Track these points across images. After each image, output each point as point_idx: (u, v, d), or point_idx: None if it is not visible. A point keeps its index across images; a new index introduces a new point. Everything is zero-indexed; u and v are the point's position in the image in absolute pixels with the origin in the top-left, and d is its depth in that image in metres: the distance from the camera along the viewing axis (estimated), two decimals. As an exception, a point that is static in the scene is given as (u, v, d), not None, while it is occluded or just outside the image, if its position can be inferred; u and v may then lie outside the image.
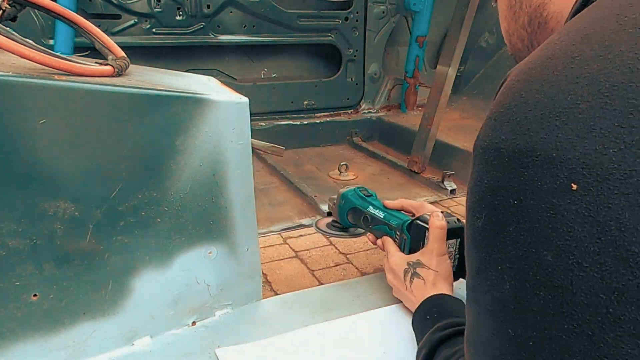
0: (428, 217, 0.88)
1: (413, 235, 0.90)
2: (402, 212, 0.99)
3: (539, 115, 0.35)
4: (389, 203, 1.01)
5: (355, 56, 2.26)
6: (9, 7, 0.75)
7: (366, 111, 2.33)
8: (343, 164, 1.80)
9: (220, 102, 0.78)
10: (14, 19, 0.77)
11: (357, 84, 2.30)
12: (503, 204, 0.37)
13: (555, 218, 0.33)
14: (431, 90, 1.73)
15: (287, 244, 1.25)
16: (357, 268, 1.14)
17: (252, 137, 0.85)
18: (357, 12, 2.20)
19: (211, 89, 0.83)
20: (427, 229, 0.87)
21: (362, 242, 1.11)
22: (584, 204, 0.32)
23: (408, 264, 0.86)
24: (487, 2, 2.29)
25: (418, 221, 0.90)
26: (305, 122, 2.17)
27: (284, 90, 2.17)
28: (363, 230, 1.08)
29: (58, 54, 0.69)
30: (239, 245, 0.88)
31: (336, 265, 1.15)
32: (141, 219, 0.76)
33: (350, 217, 1.06)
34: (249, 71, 2.22)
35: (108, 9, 1.83)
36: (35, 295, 0.70)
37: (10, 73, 0.62)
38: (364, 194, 1.05)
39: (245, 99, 0.82)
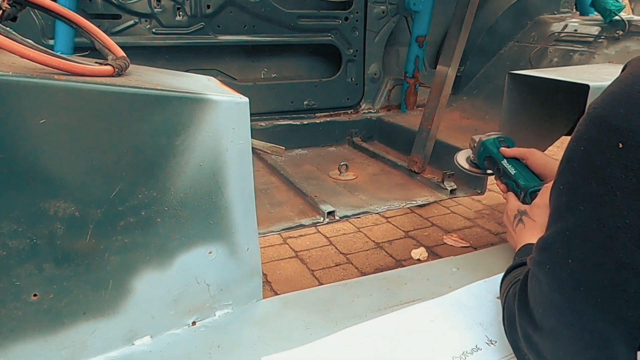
0: None
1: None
2: (526, 166, 1.11)
3: (615, 95, 0.54)
4: (506, 151, 1.14)
5: (355, 56, 2.25)
6: (9, 7, 0.75)
7: (366, 111, 2.33)
8: (343, 164, 1.80)
9: (220, 102, 0.78)
10: (14, 19, 0.77)
11: (357, 84, 2.30)
12: (576, 148, 0.57)
13: (603, 162, 0.53)
14: (431, 90, 1.73)
15: (287, 244, 1.25)
16: (357, 268, 1.14)
17: (252, 137, 0.85)
18: (357, 12, 2.20)
19: (211, 89, 0.83)
20: None
21: (362, 242, 1.11)
22: (624, 156, 0.52)
23: (518, 210, 1.01)
24: (487, 2, 2.29)
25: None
26: (305, 122, 2.17)
27: (284, 90, 2.17)
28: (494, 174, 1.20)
29: (58, 54, 0.69)
30: (239, 245, 0.88)
31: (336, 265, 1.15)
32: (141, 219, 0.76)
33: (486, 163, 1.19)
34: (249, 71, 2.22)
35: (108, 9, 1.83)
36: (35, 295, 0.70)
37: (10, 73, 0.62)
38: (502, 145, 1.16)
39: (245, 99, 0.82)
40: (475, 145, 1.23)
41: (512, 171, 1.10)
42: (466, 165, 1.27)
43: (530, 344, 0.65)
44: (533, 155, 1.11)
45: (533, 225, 0.96)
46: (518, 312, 0.67)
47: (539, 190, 1.01)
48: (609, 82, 0.58)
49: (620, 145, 0.52)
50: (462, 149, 1.35)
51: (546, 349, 0.62)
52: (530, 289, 0.65)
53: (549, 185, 0.97)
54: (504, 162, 1.13)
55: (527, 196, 1.04)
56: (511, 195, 1.08)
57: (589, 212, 0.55)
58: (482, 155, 1.20)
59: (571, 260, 0.57)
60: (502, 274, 0.85)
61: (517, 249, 0.94)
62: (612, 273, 0.53)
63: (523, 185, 1.06)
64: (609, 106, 0.54)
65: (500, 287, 0.84)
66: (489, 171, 1.24)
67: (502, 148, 1.15)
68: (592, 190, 0.55)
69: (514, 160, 1.13)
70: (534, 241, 0.90)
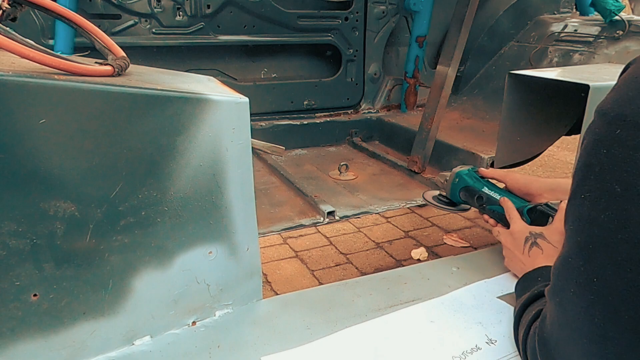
0: (554, 205, 0.95)
1: (534, 219, 0.98)
2: (505, 188, 1.09)
3: (635, 93, 0.50)
4: (484, 171, 1.13)
5: (355, 56, 2.26)
6: (9, 7, 0.75)
7: (366, 111, 2.33)
8: (343, 164, 1.80)
9: (220, 102, 0.78)
10: (14, 19, 0.77)
11: (357, 84, 2.30)
12: (597, 151, 0.52)
13: (629, 164, 0.48)
14: (431, 90, 1.73)
15: (287, 244, 1.25)
16: (357, 268, 1.14)
17: (252, 137, 0.85)
18: (357, 12, 2.20)
19: (211, 89, 0.83)
20: (551, 215, 0.93)
21: (362, 242, 1.11)
22: None
23: (530, 233, 0.93)
24: (487, 2, 2.29)
25: (542, 207, 0.96)
26: (305, 122, 2.17)
27: (284, 90, 2.17)
28: (469, 207, 1.16)
29: (58, 54, 0.69)
30: (239, 245, 0.88)
31: (336, 265, 1.15)
32: (141, 219, 0.76)
33: (462, 195, 1.14)
34: (249, 71, 2.22)
35: (108, 9, 1.83)
36: (35, 295, 0.70)
37: (10, 73, 0.62)
38: (478, 175, 1.13)
39: (245, 99, 0.82)
40: (447, 179, 1.17)
41: (497, 196, 1.06)
42: (437, 203, 1.22)
43: None
44: (512, 176, 1.08)
45: (552, 251, 0.88)
46: (540, 354, 0.62)
47: (540, 206, 0.97)
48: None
49: None
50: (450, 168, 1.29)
51: None
52: (550, 327, 0.59)
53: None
54: (485, 189, 1.09)
55: (525, 215, 1.00)
56: (513, 215, 1.01)
57: (614, 220, 0.49)
58: (458, 187, 1.15)
59: (596, 278, 0.51)
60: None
61: (530, 270, 0.87)
62: None
63: (517, 207, 1.01)
64: (627, 104, 0.50)
65: (517, 320, 0.76)
66: (464, 206, 1.19)
67: (481, 168, 1.12)
68: (616, 194, 0.49)
69: (493, 185, 1.10)
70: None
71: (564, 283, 0.56)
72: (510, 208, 1.02)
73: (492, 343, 0.81)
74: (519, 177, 1.08)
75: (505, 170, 1.11)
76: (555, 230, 0.91)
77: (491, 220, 1.09)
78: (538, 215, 0.98)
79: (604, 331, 0.51)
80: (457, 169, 1.16)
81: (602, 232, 0.50)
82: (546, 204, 0.97)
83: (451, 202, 1.18)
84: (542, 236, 0.92)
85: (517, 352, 0.78)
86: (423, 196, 1.26)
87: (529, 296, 0.76)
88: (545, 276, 0.82)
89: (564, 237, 0.88)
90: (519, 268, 0.94)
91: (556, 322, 0.58)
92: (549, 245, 0.90)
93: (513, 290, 0.89)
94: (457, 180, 1.15)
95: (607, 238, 0.50)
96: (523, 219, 0.99)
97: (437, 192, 1.24)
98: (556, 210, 0.95)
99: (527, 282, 0.84)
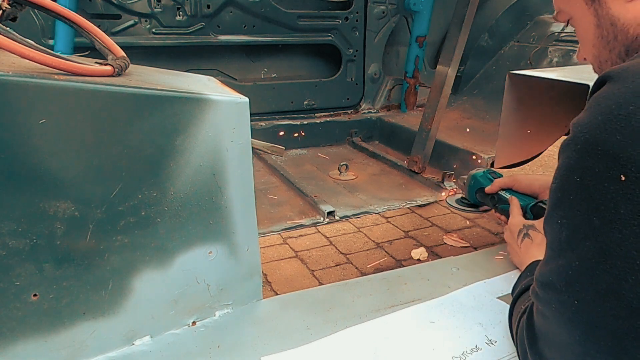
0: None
1: (536, 215, 1.03)
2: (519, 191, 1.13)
3: (606, 118, 0.48)
4: (494, 186, 1.16)
5: (355, 56, 2.25)
6: (9, 7, 0.74)
7: (366, 111, 2.33)
8: (343, 164, 1.80)
9: (220, 102, 0.78)
10: (14, 19, 0.77)
11: (357, 84, 2.30)
12: (569, 177, 0.51)
13: (605, 196, 0.47)
14: (431, 90, 1.73)
15: (287, 244, 1.25)
16: (357, 268, 1.14)
17: (252, 137, 0.85)
18: (357, 12, 2.20)
19: (211, 89, 0.83)
20: None
21: (362, 242, 1.11)
22: (629, 191, 0.46)
23: (524, 225, 0.98)
24: (487, 2, 2.29)
25: (542, 204, 1.02)
26: (305, 122, 2.17)
27: (284, 90, 2.17)
28: (488, 207, 1.23)
29: (58, 54, 0.69)
30: (239, 245, 0.87)
31: (336, 265, 1.15)
32: (141, 219, 0.75)
33: (478, 196, 1.21)
34: (249, 71, 2.22)
35: (108, 9, 1.83)
36: (35, 295, 0.70)
37: (10, 73, 0.62)
38: (492, 176, 1.19)
39: (245, 99, 0.82)
40: (466, 181, 1.25)
41: (507, 195, 1.13)
42: (459, 206, 1.31)
43: None
44: (516, 179, 1.13)
45: (542, 240, 0.91)
46: (529, 348, 0.63)
47: (540, 203, 1.03)
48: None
49: (623, 178, 0.46)
50: (464, 172, 1.38)
51: None
52: (537, 325, 0.61)
53: None
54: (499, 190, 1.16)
55: (528, 212, 1.05)
56: (515, 208, 1.06)
57: (594, 251, 0.50)
58: (474, 189, 1.22)
59: (577, 301, 0.52)
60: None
61: (523, 266, 0.91)
62: (623, 319, 0.49)
63: (522, 205, 1.07)
64: (602, 131, 0.48)
65: (511, 313, 0.78)
66: (482, 208, 1.27)
67: (488, 187, 1.17)
68: (595, 226, 0.49)
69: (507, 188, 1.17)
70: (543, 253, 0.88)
71: (546, 296, 0.58)
72: (513, 205, 1.07)
73: (492, 343, 0.81)
74: (521, 178, 1.12)
75: (509, 176, 1.14)
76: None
77: (502, 218, 1.13)
78: (539, 211, 1.03)
79: (585, 349, 0.53)
80: (473, 171, 1.24)
81: (582, 261, 0.51)
82: (547, 200, 1.00)
83: (471, 203, 1.26)
84: (533, 227, 0.96)
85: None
86: (446, 201, 1.36)
87: (519, 290, 0.79)
88: (534, 270, 0.85)
89: None
90: (517, 260, 0.98)
91: (542, 326, 0.60)
92: (539, 235, 0.94)
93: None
94: (472, 182, 1.22)
95: (588, 268, 0.51)
96: (526, 217, 1.03)
97: (459, 196, 1.32)
98: None
99: (524, 276, 0.87)
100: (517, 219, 1.03)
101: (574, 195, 0.51)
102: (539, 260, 0.84)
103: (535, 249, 0.92)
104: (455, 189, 1.41)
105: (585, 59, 0.72)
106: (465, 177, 1.26)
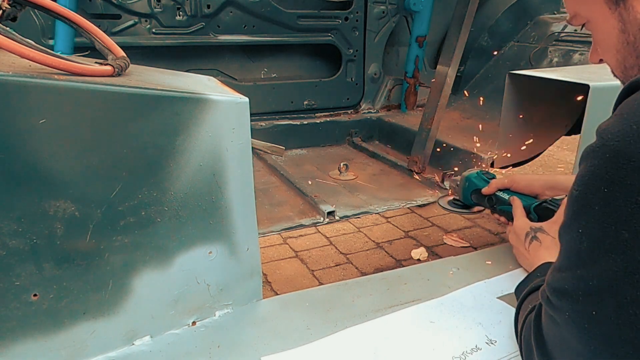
0: (557, 200, 0.98)
1: (541, 216, 1.02)
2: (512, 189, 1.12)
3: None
4: (491, 187, 1.14)
5: (355, 56, 2.25)
6: (9, 7, 0.75)
7: (366, 111, 2.33)
8: (343, 164, 1.80)
9: (220, 102, 0.78)
10: (14, 19, 0.77)
11: (357, 84, 2.30)
12: (595, 187, 0.49)
13: (635, 209, 0.46)
14: (431, 90, 1.73)
15: (287, 244, 1.25)
16: (357, 268, 1.14)
17: (252, 137, 0.85)
18: (357, 12, 2.20)
19: (211, 89, 0.83)
20: (555, 211, 0.96)
21: (362, 242, 1.12)
22: None
23: (531, 228, 0.97)
24: (487, 2, 2.29)
25: (548, 204, 1.00)
26: (305, 122, 2.17)
27: (284, 90, 2.17)
28: (482, 208, 1.21)
29: (58, 54, 0.69)
30: (239, 245, 0.88)
31: (336, 265, 1.15)
32: (141, 219, 0.76)
33: (473, 197, 1.19)
34: (249, 71, 2.22)
35: (108, 9, 1.83)
36: (35, 295, 0.70)
37: (10, 73, 0.62)
38: (487, 177, 1.17)
39: (245, 99, 0.82)
40: (459, 183, 1.23)
41: (506, 196, 1.11)
42: (451, 208, 1.28)
43: None
44: (514, 179, 1.11)
45: (551, 243, 0.92)
46: (536, 350, 0.63)
47: (545, 203, 1.01)
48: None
49: None
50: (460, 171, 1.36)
51: None
52: (545, 328, 0.61)
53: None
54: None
55: (532, 212, 1.04)
56: (519, 210, 1.05)
57: (620, 265, 0.48)
58: (469, 191, 1.20)
59: (596, 312, 0.51)
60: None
61: (532, 268, 0.90)
62: None
63: (525, 205, 1.06)
64: (632, 141, 0.46)
65: (518, 309, 0.78)
66: (476, 209, 1.25)
67: (485, 188, 1.15)
68: (623, 240, 0.47)
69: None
70: (553, 259, 0.88)
71: (559, 303, 0.56)
72: (516, 206, 1.06)
73: (492, 343, 0.81)
74: (519, 178, 1.10)
75: (507, 177, 1.13)
76: (555, 224, 0.93)
77: (502, 219, 1.12)
78: (544, 211, 1.01)
79: (598, 357, 0.52)
80: (466, 173, 1.21)
81: (605, 274, 0.50)
82: (551, 200, 1.00)
83: (465, 204, 1.24)
84: (541, 230, 0.95)
85: (518, 353, 0.78)
86: (438, 202, 1.33)
87: (529, 289, 0.78)
88: (544, 271, 0.83)
89: None
90: (525, 263, 0.98)
91: (550, 331, 0.59)
92: (548, 237, 0.93)
93: (513, 290, 0.89)
94: (467, 184, 1.20)
95: (612, 281, 0.49)
96: (530, 217, 1.03)
97: (450, 198, 1.30)
98: (558, 206, 0.97)
99: (532, 278, 0.85)
100: (522, 221, 1.01)
101: (599, 207, 0.49)
102: (550, 263, 0.82)
103: (545, 251, 0.91)
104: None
105: (601, 60, 0.68)
106: (458, 178, 1.24)
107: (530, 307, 0.71)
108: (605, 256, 0.49)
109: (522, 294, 0.79)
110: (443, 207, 1.30)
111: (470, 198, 1.20)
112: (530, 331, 0.65)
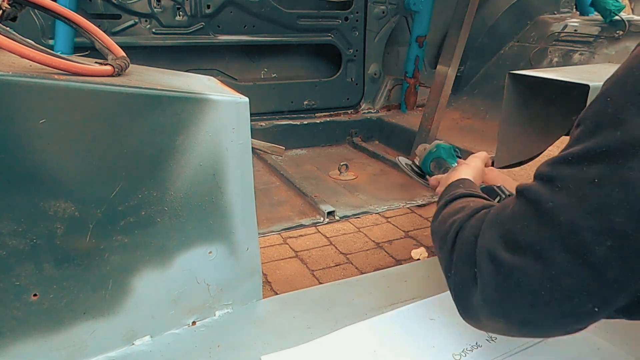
0: (506, 190, 0.95)
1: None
2: None
3: None
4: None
5: (355, 56, 2.26)
6: (9, 7, 0.75)
7: (366, 111, 2.33)
8: (343, 164, 1.80)
9: (220, 102, 0.78)
10: (14, 19, 0.77)
11: (357, 84, 2.30)
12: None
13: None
14: (431, 90, 1.73)
15: (287, 244, 1.25)
16: (357, 268, 1.14)
17: (252, 137, 0.85)
18: (357, 12, 2.20)
19: (211, 89, 0.83)
20: (500, 196, 0.94)
21: (362, 242, 1.12)
22: None
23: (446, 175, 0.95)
24: (487, 2, 2.29)
25: (495, 187, 0.97)
26: (305, 122, 2.17)
27: (284, 90, 2.17)
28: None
29: (58, 54, 0.70)
30: (239, 245, 0.88)
31: (336, 265, 1.15)
32: (141, 219, 0.76)
33: (432, 165, 1.17)
34: (249, 71, 2.22)
35: (108, 9, 1.83)
36: (35, 295, 0.70)
37: (10, 73, 0.62)
38: (456, 155, 1.17)
39: (245, 99, 0.82)
40: (426, 148, 1.21)
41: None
42: (406, 171, 1.27)
43: (498, 268, 0.54)
44: (491, 175, 1.05)
45: (462, 167, 0.91)
46: (488, 229, 0.57)
47: (493, 187, 0.98)
48: None
49: None
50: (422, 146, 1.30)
51: (528, 274, 0.51)
52: (516, 213, 0.54)
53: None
54: (455, 165, 1.13)
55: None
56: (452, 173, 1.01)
57: None
58: (432, 156, 1.19)
59: (620, 178, 0.46)
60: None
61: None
62: None
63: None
64: None
65: (435, 218, 0.73)
66: (427, 182, 1.23)
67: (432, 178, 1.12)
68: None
69: None
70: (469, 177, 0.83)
71: (565, 173, 0.51)
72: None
73: (492, 340, 0.81)
74: (496, 173, 1.06)
75: (487, 169, 1.10)
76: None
77: (432, 181, 1.06)
78: (488, 192, 0.98)
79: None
80: (439, 141, 1.20)
81: (636, 134, 0.46)
82: (499, 187, 0.97)
83: (421, 172, 1.23)
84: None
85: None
86: (397, 159, 1.31)
87: (453, 195, 0.75)
88: (466, 184, 0.83)
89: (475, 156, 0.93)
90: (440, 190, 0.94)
91: (560, 205, 0.52)
92: (461, 164, 0.94)
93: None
94: (434, 150, 1.19)
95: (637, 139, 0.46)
96: None
97: (410, 161, 1.28)
98: (506, 195, 0.95)
99: (449, 189, 0.82)
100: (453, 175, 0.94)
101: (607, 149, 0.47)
102: (464, 179, 0.85)
103: (456, 173, 0.89)
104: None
105: None
106: (430, 145, 1.21)
107: (460, 207, 0.67)
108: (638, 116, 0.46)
109: (445, 198, 0.76)
110: (399, 164, 1.29)
111: (429, 165, 1.19)
112: (469, 217, 0.62)
